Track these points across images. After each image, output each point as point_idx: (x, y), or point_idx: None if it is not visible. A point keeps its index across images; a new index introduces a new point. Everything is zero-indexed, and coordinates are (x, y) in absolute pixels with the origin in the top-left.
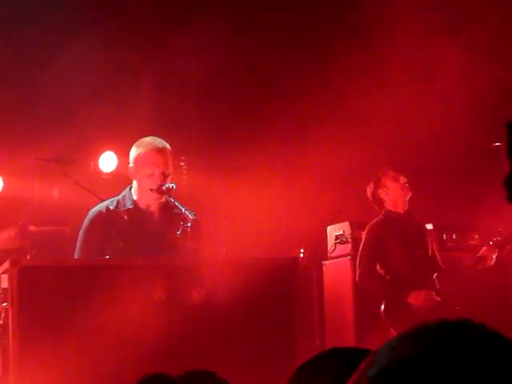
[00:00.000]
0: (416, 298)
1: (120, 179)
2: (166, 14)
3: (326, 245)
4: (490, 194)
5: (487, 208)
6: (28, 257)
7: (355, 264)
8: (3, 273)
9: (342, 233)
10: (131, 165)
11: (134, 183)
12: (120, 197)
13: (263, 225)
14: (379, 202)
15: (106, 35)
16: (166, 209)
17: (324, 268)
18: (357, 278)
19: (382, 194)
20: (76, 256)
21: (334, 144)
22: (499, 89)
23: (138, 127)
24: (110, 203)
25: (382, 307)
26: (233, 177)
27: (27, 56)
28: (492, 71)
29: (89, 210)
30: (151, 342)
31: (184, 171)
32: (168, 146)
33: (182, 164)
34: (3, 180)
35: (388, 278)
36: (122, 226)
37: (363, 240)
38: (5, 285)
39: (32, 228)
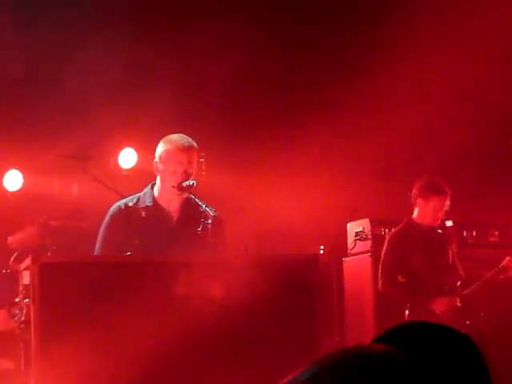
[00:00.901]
0: (440, 304)
1: (140, 175)
2: (186, 13)
3: (346, 241)
4: (510, 190)
5: (507, 205)
6: (49, 253)
7: (375, 261)
8: (25, 269)
9: (361, 229)
10: (156, 160)
11: (158, 179)
12: (141, 193)
13: (283, 221)
14: (413, 205)
15: (126, 33)
16: (188, 206)
17: (344, 265)
18: (379, 288)
19: (419, 202)
20: (96, 251)
21: (355, 141)
22: None
23: (157, 124)
24: (130, 200)
25: (407, 312)
26: (252, 174)
27: (47, 53)
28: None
29: (108, 206)
30: (171, 338)
31: (203, 167)
32: (195, 145)
33: (202, 160)
34: (23, 176)
35: (410, 287)
36: (138, 223)
37: (384, 250)
38: (26, 281)
39: (53, 223)
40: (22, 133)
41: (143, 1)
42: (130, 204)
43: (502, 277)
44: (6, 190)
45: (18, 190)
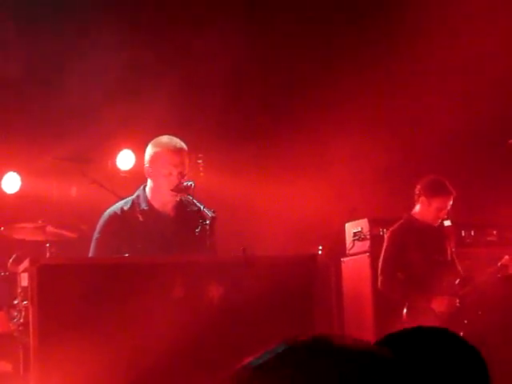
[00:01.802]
0: (439, 304)
1: (138, 177)
2: (184, 13)
3: (345, 242)
4: (508, 189)
5: (505, 204)
6: (47, 255)
7: (373, 261)
8: (23, 271)
9: (360, 230)
10: (147, 165)
11: (149, 182)
12: (134, 197)
13: (281, 222)
14: (415, 201)
15: (123, 34)
16: (181, 208)
17: (342, 265)
18: (379, 285)
19: (422, 200)
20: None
21: (353, 141)
22: None
23: (155, 125)
24: (124, 204)
25: (405, 311)
26: (251, 175)
27: (46, 56)
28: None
29: (107, 208)
30: (170, 339)
31: (201, 169)
32: (185, 146)
33: (200, 161)
34: (22, 179)
35: (410, 284)
36: (137, 228)
37: (384, 247)
38: (25, 283)
39: (49, 229)
40: (21, 135)
41: (142, 3)
42: (126, 208)
43: (500, 275)
44: (4, 193)
45: (16, 193)
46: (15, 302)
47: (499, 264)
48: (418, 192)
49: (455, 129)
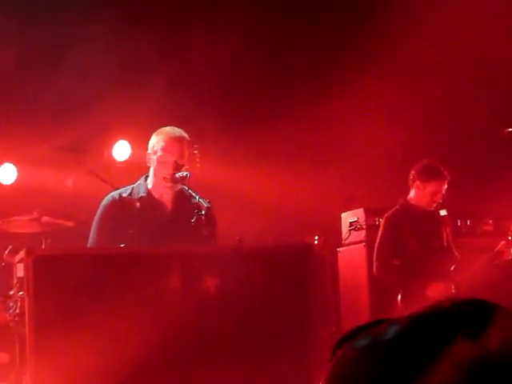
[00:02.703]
0: (434, 290)
1: (134, 168)
2: (180, 4)
3: (341, 231)
4: (504, 179)
5: (501, 193)
6: (43, 246)
7: (370, 251)
8: (19, 262)
9: (356, 219)
10: (149, 151)
11: (150, 171)
12: (135, 185)
13: (277, 212)
14: (410, 186)
15: (120, 25)
16: (180, 198)
17: (339, 255)
18: (374, 271)
19: (417, 185)
20: (89, 242)
21: (349, 130)
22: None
23: (151, 116)
24: (123, 191)
25: (399, 297)
26: (246, 164)
27: (42, 46)
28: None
29: (103, 199)
30: (166, 330)
31: (197, 159)
32: (186, 137)
33: (196, 152)
34: (18, 170)
35: (405, 270)
36: (133, 214)
37: (380, 232)
38: (21, 274)
39: (45, 219)
40: (16, 126)
41: None
42: (124, 195)
43: (496, 262)
44: (0, 184)
45: (12, 184)
46: (11, 292)
47: (495, 250)
48: (412, 177)
49: (452, 118)
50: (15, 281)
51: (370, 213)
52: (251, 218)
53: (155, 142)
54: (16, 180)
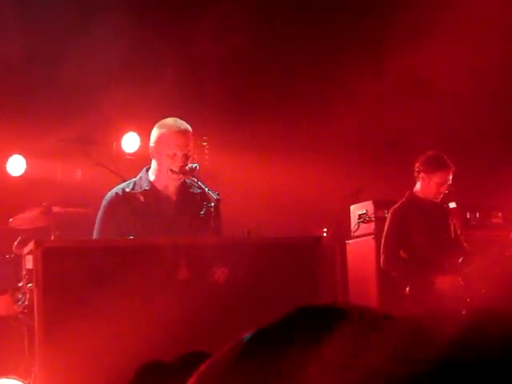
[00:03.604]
0: (442, 283)
1: (143, 160)
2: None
3: (350, 224)
4: None
5: (510, 186)
6: (52, 238)
7: (378, 243)
8: (28, 254)
9: (365, 212)
10: (152, 145)
11: (153, 164)
12: (137, 178)
13: (286, 204)
14: (415, 178)
15: (128, 16)
16: (184, 189)
17: (347, 247)
18: (381, 264)
19: (422, 177)
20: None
21: (358, 123)
22: None
23: (160, 108)
24: (126, 185)
25: (407, 289)
26: (255, 156)
27: (49, 37)
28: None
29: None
30: (174, 321)
31: (206, 151)
32: (190, 128)
33: (204, 144)
34: (27, 161)
35: (412, 262)
36: (137, 208)
37: (387, 225)
38: (30, 266)
39: (55, 209)
40: (25, 118)
41: None
42: (127, 190)
43: (505, 254)
44: (9, 175)
45: (21, 175)
46: (20, 284)
47: (504, 242)
48: (417, 169)
49: (462, 111)
50: (24, 273)
51: (379, 205)
52: (260, 211)
53: (159, 134)
54: (25, 172)
